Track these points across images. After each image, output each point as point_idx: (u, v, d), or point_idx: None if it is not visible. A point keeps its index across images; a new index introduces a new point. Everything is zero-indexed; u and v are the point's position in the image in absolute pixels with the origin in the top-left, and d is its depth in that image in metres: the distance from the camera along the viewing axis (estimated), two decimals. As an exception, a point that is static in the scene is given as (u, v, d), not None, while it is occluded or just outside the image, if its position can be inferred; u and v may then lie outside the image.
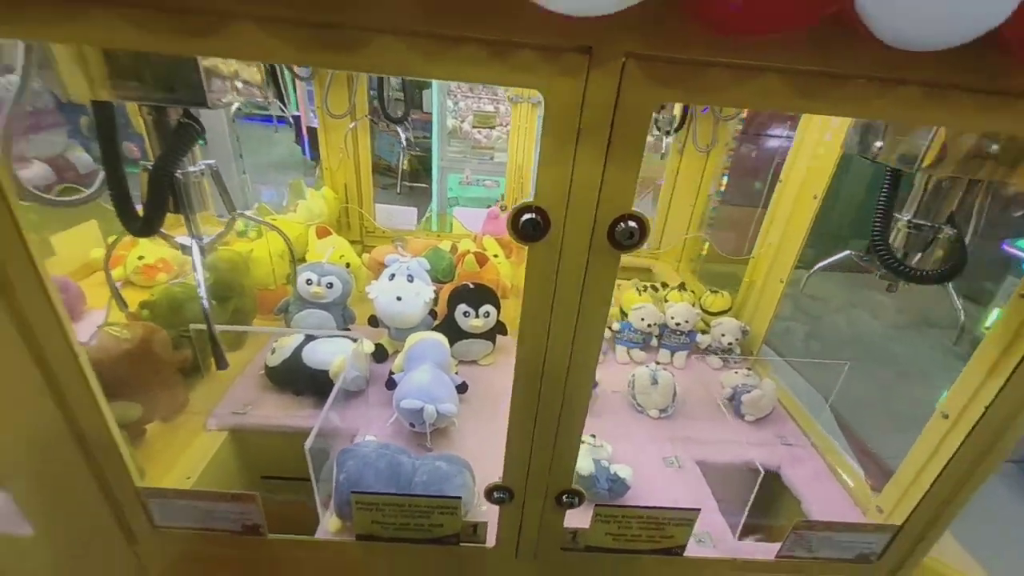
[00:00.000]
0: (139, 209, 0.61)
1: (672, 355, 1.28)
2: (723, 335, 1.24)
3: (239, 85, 0.58)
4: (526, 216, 0.46)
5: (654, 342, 1.29)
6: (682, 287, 1.37)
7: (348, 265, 1.27)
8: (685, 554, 0.73)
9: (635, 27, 0.37)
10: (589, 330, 0.52)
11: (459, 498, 0.66)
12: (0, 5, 0.36)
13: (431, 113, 3.27)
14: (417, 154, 4.65)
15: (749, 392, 1.06)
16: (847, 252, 0.67)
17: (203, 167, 0.62)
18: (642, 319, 1.22)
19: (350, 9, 0.37)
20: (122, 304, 0.87)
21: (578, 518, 0.69)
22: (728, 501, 0.91)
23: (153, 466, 0.84)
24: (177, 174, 0.58)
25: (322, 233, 1.30)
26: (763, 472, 0.80)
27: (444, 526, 0.69)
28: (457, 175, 3.42)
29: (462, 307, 1.09)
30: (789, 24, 0.32)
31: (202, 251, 0.67)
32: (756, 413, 1.07)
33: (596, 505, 0.68)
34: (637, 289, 1.33)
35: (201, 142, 0.61)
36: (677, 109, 1.52)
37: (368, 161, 1.77)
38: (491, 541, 0.71)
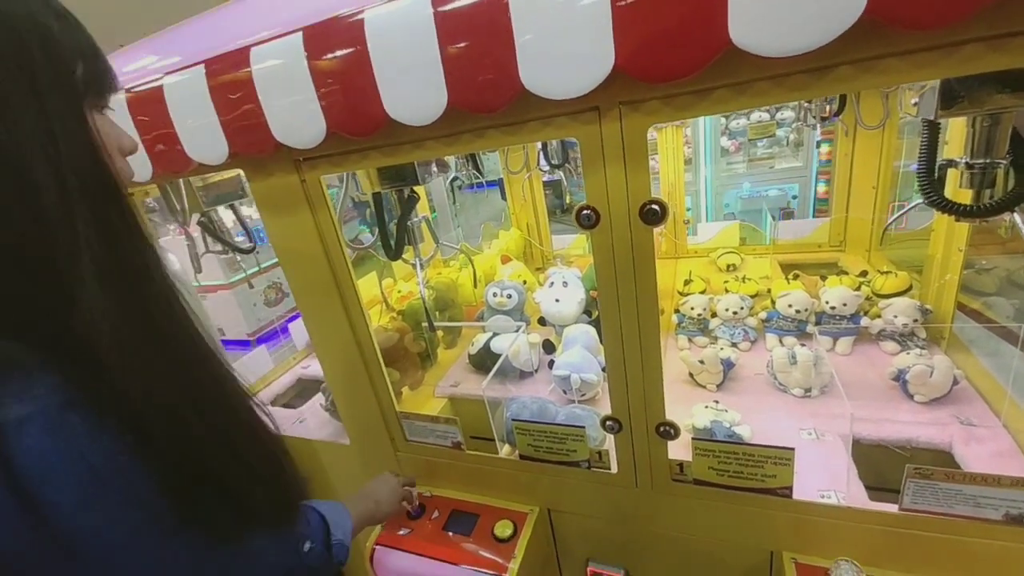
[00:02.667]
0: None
1: (834, 342, 1.24)
2: (895, 316, 1.16)
3: (434, 168, 1.00)
4: (584, 212, 0.71)
5: (811, 329, 1.27)
6: (844, 272, 1.31)
7: (524, 282, 1.64)
8: (797, 498, 0.80)
9: (619, 89, 0.61)
10: (645, 286, 0.73)
11: (583, 427, 0.90)
12: (332, 161, 0.83)
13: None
14: (581, 187, 4.99)
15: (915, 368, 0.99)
16: (918, 201, 0.68)
17: (420, 218, 1.06)
18: (789, 305, 1.24)
19: (468, 122, 0.71)
20: (390, 309, 1.42)
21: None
22: (884, 479, 0.90)
23: (407, 414, 1.32)
24: (408, 223, 1.03)
25: (504, 260, 1.72)
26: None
27: (577, 451, 0.93)
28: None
29: (606, 304, 1.32)
30: (690, 72, 0.52)
31: (422, 266, 1.12)
32: (928, 393, 0.99)
33: (693, 438, 0.83)
34: (788, 278, 1.33)
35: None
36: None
37: (542, 202, 2.18)
38: (614, 468, 0.92)
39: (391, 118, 0.69)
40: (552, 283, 1.41)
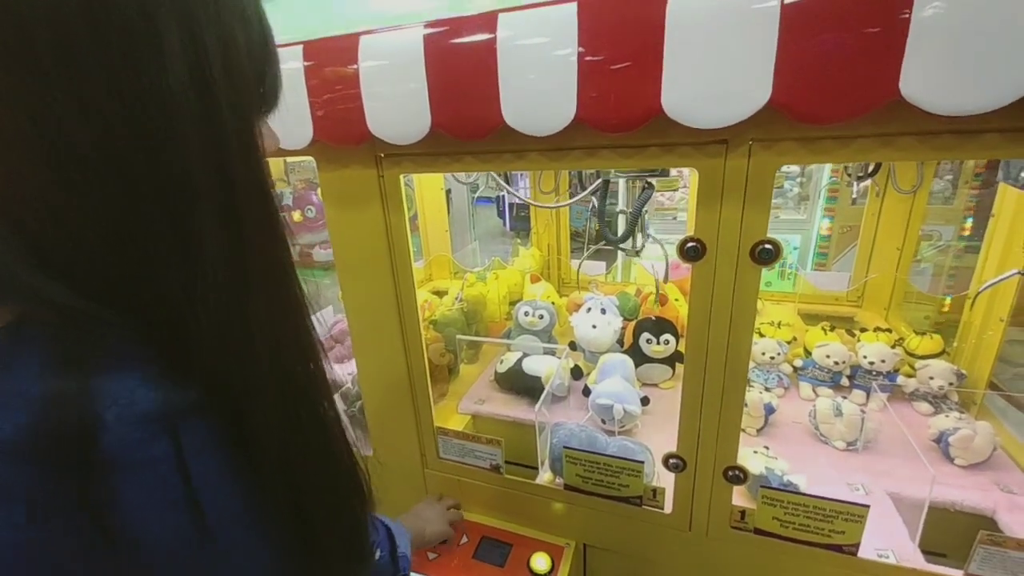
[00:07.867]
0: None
1: (867, 397, 1.25)
2: (931, 378, 1.17)
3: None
4: (689, 244, 0.70)
5: (844, 382, 1.28)
6: (881, 330, 1.33)
7: (553, 303, 1.62)
8: (861, 556, 0.79)
9: (757, 124, 0.60)
10: (741, 323, 0.71)
11: (643, 462, 0.87)
12: (418, 161, 0.80)
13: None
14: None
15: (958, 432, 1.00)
16: (1014, 271, 0.70)
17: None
18: (827, 356, 1.25)
19: (583, 138, 0.69)
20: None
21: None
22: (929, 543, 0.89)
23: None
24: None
25: (535, 279, 1.70)
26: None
27: (630, 487, 0.90)
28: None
29: (645, 335, 1.31)
30: (852, 116, 0.52)
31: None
32: (969, 457, 1.00)
33: (761, 487, 0.81)
34: (823, 328, 1.35)
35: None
36: (870, 154, 1.52)
37: (567, 226, 2.18)
38: (668, 508, 0.89)
39: (507, 124, 0.67)
40: (589, 308, 1.39)
